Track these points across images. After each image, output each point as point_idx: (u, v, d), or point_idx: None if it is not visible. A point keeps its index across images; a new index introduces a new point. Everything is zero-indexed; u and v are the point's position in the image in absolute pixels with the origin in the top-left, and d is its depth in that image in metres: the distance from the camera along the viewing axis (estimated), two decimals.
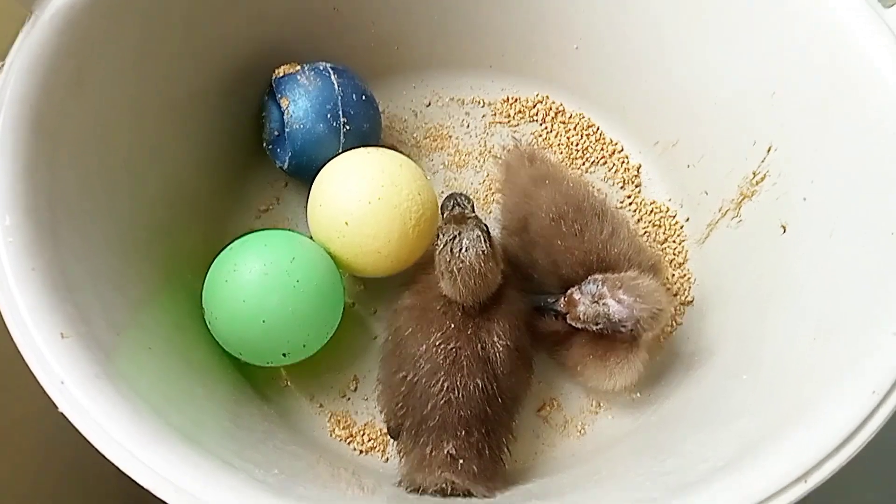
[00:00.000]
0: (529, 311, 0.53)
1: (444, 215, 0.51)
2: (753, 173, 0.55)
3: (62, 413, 0.34)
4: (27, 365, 0.35)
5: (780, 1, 0.51)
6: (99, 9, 0.46)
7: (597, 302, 0.49)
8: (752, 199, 0.55)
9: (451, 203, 0.52)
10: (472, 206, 0.52)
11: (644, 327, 0.48)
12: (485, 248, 0.47)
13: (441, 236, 0.48)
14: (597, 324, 0.49)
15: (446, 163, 0.66)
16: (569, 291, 0.51)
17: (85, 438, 0.33)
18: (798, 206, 0.50)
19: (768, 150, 0.54)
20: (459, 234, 0.47)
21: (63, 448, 0.52)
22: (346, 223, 0.51)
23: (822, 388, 0.37)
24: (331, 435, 0.53)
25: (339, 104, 0.57)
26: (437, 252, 0.48)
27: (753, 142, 0.55)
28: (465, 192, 0.62)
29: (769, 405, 0.40)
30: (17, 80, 0.42)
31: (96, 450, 0.33)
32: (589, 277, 0.50)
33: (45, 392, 0.34)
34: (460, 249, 0.47)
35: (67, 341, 0.36)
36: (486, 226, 0.48)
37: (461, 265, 0.47)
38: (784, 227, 0.51)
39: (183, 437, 0.35)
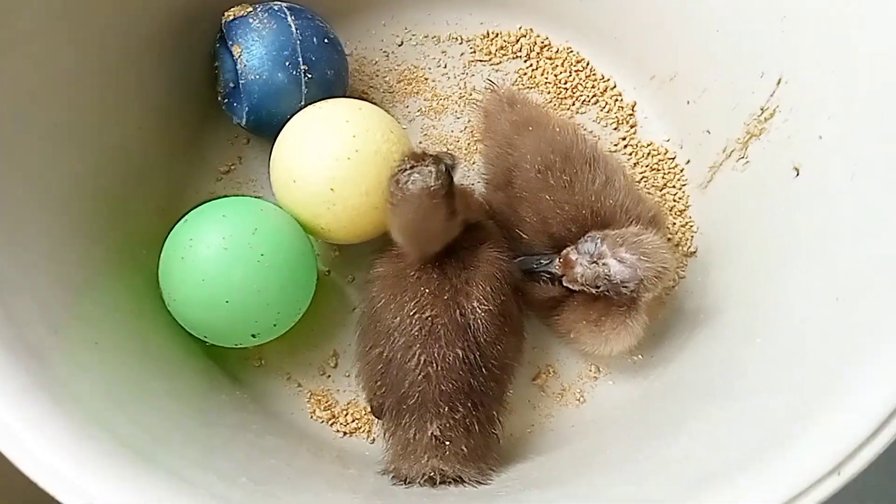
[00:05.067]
0: (517, 274, 0.48)
1: None
2: (761, 109, 0.50)
3: None
4: None
5: None
6: None
7: (596, 262, 0.44)
8: (760, 137, 0.50)
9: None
10: (454, 166, 0.45)
11: (647, 287, 0.44)
12: (432, 183, 0.41)
13: (393, 169, 0.43)
14: (597, 287, 0.44)
15: (423, 109, 0.60)
16: (564, 251, 0.46)
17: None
18: (813, 145, 0.45)
19: (778, 83, 0.49)
20: (413, 166, 0.42)
21: None
22: (332, 189, 0.46)
23: (851, 359, 0.33)
24: (311, 417, 0.49)
25: (299, 50, 0.51)
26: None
27: (761, 73, 0.50)
28: (446, 147, 0.57)
29: (789, 379, 0.36)
30: None
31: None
32: (586, 235, 0.46)
33: None
34: (406, 181, 0.41)
35: None
36: (449, 164, 0.43)
37: (400, 196, 0.42)
38: (797, 170, 0.46)
39: (132, 453, 0.31)
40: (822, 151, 0.45)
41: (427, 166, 0.42)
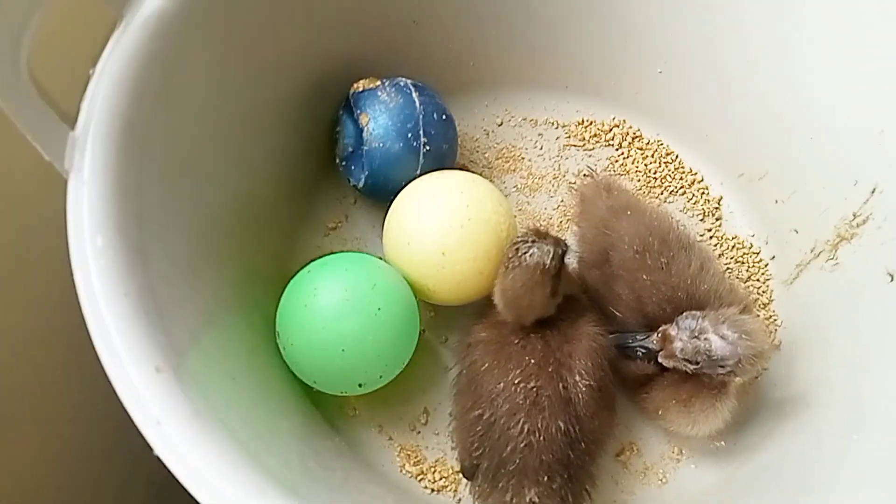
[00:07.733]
0: (612, 351, 0.50)
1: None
2: (854, 214, 0.52)
3: (157, 457, 0.32)
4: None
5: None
6: (190, 15, 0.44)
7: (697, 337, 0.46)
8: (851, 241, 0.52)
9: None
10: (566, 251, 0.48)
11: (743, 368, 0.45)
12: (547, 262, 0.45)
13: (516, 238, 0.47)
14: (695, 362, 0.46)
15: (519, 186, 0.63)
16: (662, 328, 0.48)
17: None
18: None
19: (872, 192, 0.51)
20: (534, 240, 0.46)
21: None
22: (444, 254, 0.49)
23: None
24: (401, 470, 0.51)
25: (421, 123, 0.55)
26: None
27: (855, 181, 0.52)
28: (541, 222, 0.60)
29: (891, 479, 0.37)
30: (109, 89, 0.40)
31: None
32: (685, 313, 0.47)
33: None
34: (525, 252, 0.45)
35: (162, 376, 0.33)
36: (565, 249, 0.46)
37: (516, 263, 0.45)
38: (892, 276, 0.48)
39: (281, 487, 0.33)
40: None
41: (547, 244, 0.45)
